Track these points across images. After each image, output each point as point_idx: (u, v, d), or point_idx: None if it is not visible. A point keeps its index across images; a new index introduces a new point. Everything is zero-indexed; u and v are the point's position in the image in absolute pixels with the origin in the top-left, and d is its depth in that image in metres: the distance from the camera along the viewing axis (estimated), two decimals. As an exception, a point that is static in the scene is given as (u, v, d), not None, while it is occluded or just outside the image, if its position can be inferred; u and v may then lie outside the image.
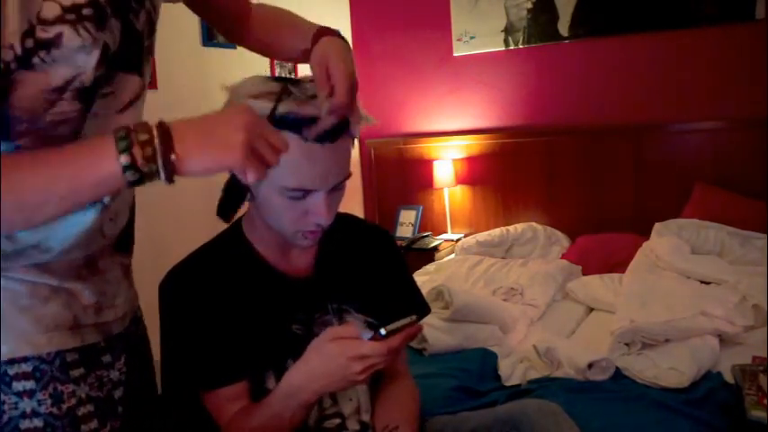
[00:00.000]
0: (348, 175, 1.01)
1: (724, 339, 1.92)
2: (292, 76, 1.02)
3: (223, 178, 1.04)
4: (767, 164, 2.78)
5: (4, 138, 0.71)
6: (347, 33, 3.85)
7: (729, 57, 2.95)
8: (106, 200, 0.82)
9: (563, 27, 3.28)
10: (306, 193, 0.97)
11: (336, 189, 1.01)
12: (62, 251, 0.80)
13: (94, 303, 0.85)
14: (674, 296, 2.15)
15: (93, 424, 0.83)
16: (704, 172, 2.98)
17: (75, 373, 0.82)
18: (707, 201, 2.86)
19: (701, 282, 2.37)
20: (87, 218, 0.80)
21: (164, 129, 0.66)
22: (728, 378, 1.69)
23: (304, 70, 3.23)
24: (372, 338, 0.91)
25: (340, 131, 0.96)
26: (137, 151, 0.65)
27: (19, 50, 0.67)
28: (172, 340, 1.05)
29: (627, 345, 1.86)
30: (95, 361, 0.85)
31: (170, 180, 0.67)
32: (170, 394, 1.05)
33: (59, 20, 0.68)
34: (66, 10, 0.69)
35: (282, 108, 0.92)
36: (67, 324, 0.81)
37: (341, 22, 3.81)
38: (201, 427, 1.07)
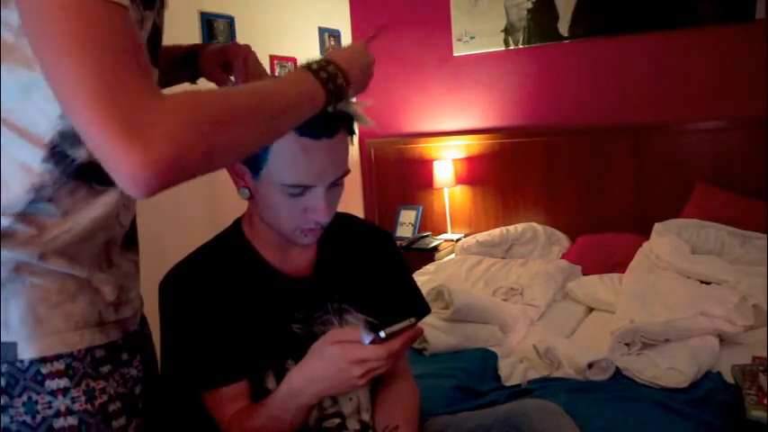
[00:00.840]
0: (346, 172, 1.01)
1: (724, 339, 1.92)
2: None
3: (223, 179, 1.05)
4: (767, 164, 2.78)
5: None
6: (347, 33, 3.85)
7: (729, 57, 2.95)
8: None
9: (563, 27, 3.28)
10: (304, 189, 0.97)
11: (335, 186, 1.01)
12: (85, 234, 0.80)
13: (115, 299, 0.86)
14: (674, 296, 2.15)
15: (122, 420, 0.84)
16: (704, 172, 2.98)
17: (104, 369, 0.83)
18: (707, 201, 2.86)
19: (701, 282, 2.37)
20: (110, 199, 0.81)
21: (332, 60, 0.87)
22: (728, 378, 1.69)
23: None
24: (372, 342, 0.90)
25: (337, 126, 0.96)
26: (327, 70, 0.85)
27: None
28: (171, 340, 1.05)
29: (627, 345, 1.86)
30: (117, 358, 0.86)
31: (347, 92, 0.88)
32: (170, 394, 1.05)
33: None
34: None
35: None
36: (94, 321, 0.82)
37: (341, 22, 3.81)
38: (201, 427, 1.07)
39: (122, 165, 0.61)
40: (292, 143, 0.94)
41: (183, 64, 1.13)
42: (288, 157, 0.94)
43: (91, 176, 0.78)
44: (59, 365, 0.78)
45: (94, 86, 0.60)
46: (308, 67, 0.85)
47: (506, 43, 3.44)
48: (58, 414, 0.78)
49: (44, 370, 0.77)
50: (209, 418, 1.05)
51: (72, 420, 0.79)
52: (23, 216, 0.76)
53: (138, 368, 0.90)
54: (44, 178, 0.75)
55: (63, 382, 0.78)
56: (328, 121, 0.94)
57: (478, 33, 3.50)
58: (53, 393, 0.78)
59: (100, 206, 0.81)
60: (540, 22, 3.33)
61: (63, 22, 0.61)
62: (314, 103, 0.83)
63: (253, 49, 1.08)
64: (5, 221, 0.76)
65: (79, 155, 0.76)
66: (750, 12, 2.87)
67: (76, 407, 0.79)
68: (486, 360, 1.94)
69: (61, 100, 0.63)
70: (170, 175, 0.62)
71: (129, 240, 0.94)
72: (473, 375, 1.84)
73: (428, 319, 1.46)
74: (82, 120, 0.61)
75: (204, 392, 1.05)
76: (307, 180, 0.96)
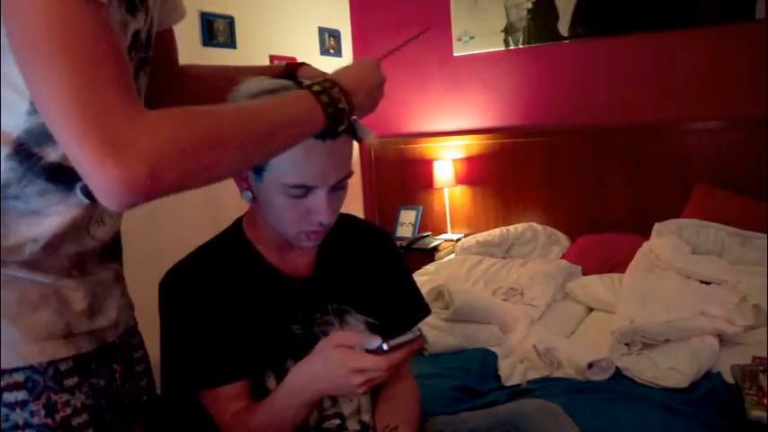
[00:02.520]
0: (349, 174, 1.01)
1: (724, 339, 1.92)
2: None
3: (222, 181, 1.04)
4: (767, 164, 2.78)
5: None
6: (347, 33, 3.85)
7: (729, 57, 2.95)
8: (91, 201, 0.81)
9: (563, 27, 3.28)
10: (307, 191, 0.97)
11: (338, 188, 1.01)
12: (51, 244, 0.78)
13: (87, 307, 0.83)
14: (674, 296, 2.15)
15: None
16: (704, 172, 2.98)
17: (70, 382, 0.80)
18: (707, 201, 2.86)
19: (701, 282, 2.37)
20: (76, 212, 0.79)
21: (337, 83, 0.83)
22: (728, 378, 1.69)
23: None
24: (375, 351, 0.89)
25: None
26: (330, 93, 0.81)
27: None
28: (172, 339, 1.05)
29: (627, 345, 1.86)
30: (88, 369, 0.83)
31: (350, 117, 0.84)
32: (170, 394, 1.05)
33: None
34: None
35: None
36: (60, 332, 0.79)
37: (341, 22, 3.81)
38: (201, 427, 1.07)
39: (98, 179, 0.61)
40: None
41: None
42: (290, 158, 0.94)
43: (62, 179, 0.76)
44: (18, 378, 0.76)
45: (74, 100, 0.60)
46: (311, 87, 0.81)
47: (506, 43, 3.44)
48: (15, 427, 0.76)
49: (2, 382, 0.75)
50: (209, 417, 1.05)
51: None
52: None
53: (109, 379, 0.87)
54: (8, 176, 0.73)
55: (21, 395, 0.76)
56: None
57: (478, 33, 3.50)
58: (11, 406, 0.76)
59: (67, 216, 0.78)
60: (540, 22, 3.33)
61: (44, 31, 0.60)
62: (312, 126, 0.80)
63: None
64: None
65: (45, 153, 0.74)
66: (750, 12, 2.87)
67: (35, 420, 0.77)
68: (486, 360, 1.94)
69: (42, 110, 0.63)
70: (145, 192, 0.62)
71: (110, 252, 0.91)
72: (473, 375, 1.84)
73: (428, 319, 1.45)
74: (62, 133, 0.61)
75: (204, 392, 1.05)
76: (309, 180, 0.96)
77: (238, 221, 1.13)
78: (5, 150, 0.72)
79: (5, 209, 0.74)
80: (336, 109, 0.81)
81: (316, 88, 0.81)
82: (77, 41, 0.60)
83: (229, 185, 1.05)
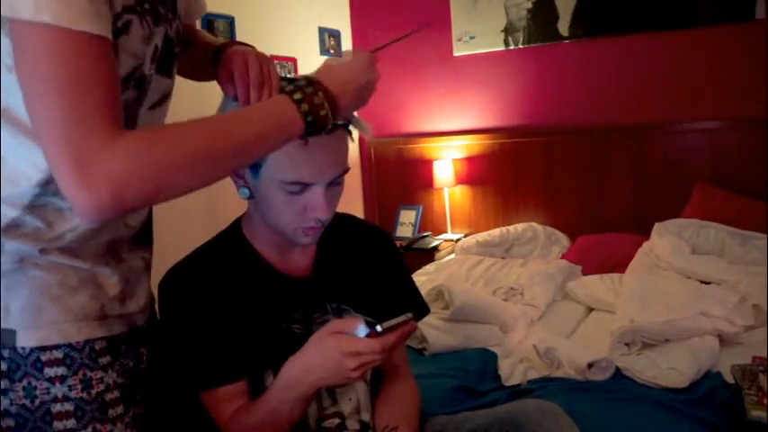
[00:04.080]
0: (346, 170, 1.01)
1: (724, 339, 1.92)
2: (290, 76, 1.02)
3: (223, 180, 1.04)
4: (767, 164, 2.78)
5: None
6: (347, 33, 3.85)
7: (729, 57, 2.95)
8: None
9: (563, 27, 3.28)
10: (304, 187, 0.97)
11: (335, 184, 1.01)
12: (89, 233, 0.84)
13: (119, 292, 0.89)
14: (674, 296, 2.15)
15: (120, 409, 0.88)
16: (704, 172, 2.97)
17: (103, 360, 0.86)
18: (707, 201, 2.86)
19: (701, 282, 2.36)
20: None
21: (322, 86, 0.83)
22: (728, 378, 1.69)
23: (304, 70, 3.22)
24: (369, 335, 0.91)
25: (335, 124, 0.96)
26: (311, 100, 0.81)
27: None
28: (170, 340, 1.05)
29: (627, 345, 1.86)
30: (119, 350, 0.89)
31: (334, 120, 0.83)
32: (169, 393, 1.05)
33: (130, 9, 0.76)
34: (136, 1, 0.77)
35: None
36: (95, 314, 0.85)
37: (341, 22, 3.81)
38: (200, 427, 1.07)
39: (72, 198, 0.68)
40: (293, 141, 0.93)
41: (214, 62, 1.07)
42: (287, 155, 0.94)
43: None
44: (58, 354, 0.82)
45: (57, 126, 0.67)
46: (291, 93, 0.80)
47: (506, 43, 3.43)
48: (55, 400, 0.82)
49: (43, 358, 0.81)
50: (208, 417, 1.05)
51: (69, 406, 0.83)
52: (32, 208, 0.81)
53: (137, 361, 0.93)
54: (49, 174, 0.79)
55: (61, 371, 0.82)
56: None
57: (478, 33, 3.50)
58: (51, 380, 0.82)
59: None
60: (540, 22, 3.32)
61: (42, 63, 0.66)
62: (290, 133, 0.80)
63: (258, 51, 1.00)
64: (15, 212, 0.80)
65: None
66: (750, 12, 2.87)
67: (73, 394, 0.83)
68: (486, 360, 1.94)
69: (35, 132, 0.70)
70: (110, 210, 0.68)
71: (141, 239, 0.97)
72: (473, 375, 1.84)
73: (428, 319, 1.46)
74: (46, 154, 0.69)
75: (203, 392, 1.05)
76: (307, 177, 0.96)
77: (237, 222, 1.13)
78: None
79: (45, 204, 0.81)
80: (317, 117, 0.81)
81: (296, 96, 0.80)
82: (70, 74, 0.67)
83: (229, 186, 1.05)
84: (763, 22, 2.84)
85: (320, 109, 0.81)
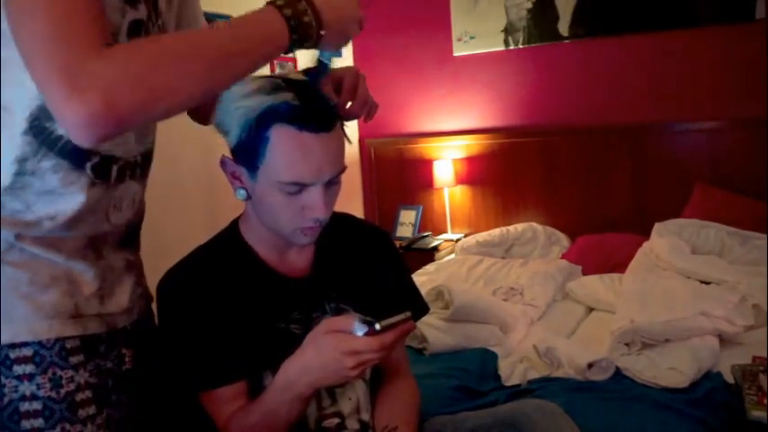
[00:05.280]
0: (343, 169, 1.01)
1: (724, 339, 1.92)
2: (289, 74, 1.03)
3: (221, 180, 1.04)
4: (767, 164, 2.78)
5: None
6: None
7: (729, 57, 2.95)
8: (111, 181, 0.87)
9: (563, 27, 3.28)
10: (302, 187, 0.97)
11: (332, 183, 1.01)
12: (68, 223, 0.83)
13: (96, 291, 0.87)
14: (674, 296, 2.15)
15: (91, 410, 0.86)
16: (704, 172, 2.98)
17: (75, 359, 0.84)
18: (707, 201, 2.86)
19: (701, 282, 2.36)
20: (92, 193, 0.84)
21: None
22: (728, 378, 1.69)
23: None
24: (367, 333, 0.90)
25: (334, 119, 0.96)
26: (294, 6, 0.79)
27: None
28: (169, 340, 1.05)
29: (627, 345, 1.86)
30: (96, 350, 0.88)
31: (320, 33, 0.82)
32: (167, 394, 1.05)
33: None
34: None
35: (275, 99, 0.93)
36: (68, 312, 0.84)
37: (341, 22, 3.80)
38: (199, 428, 1.06)
39: (64, 116, 0.66)
40: (289, 140, 0.94)
41: None
42: (285, 155, 0.94)
43: (72, 156, 0.81)
44: (27, 352, 0.81)
45: (45, 43, 0.66)
46: (275, 2, 0.80)
47: (506, 43, 3.43)
48: (23, 398, 0.81)
49: (12, 355, 0.80)
50: (207, 418, 1.05)
51: (36, 405, 0.81)
52: (11, 189, 0.80)
53: (117, 362, 0.91)
54: (25, 150, 0.79)
55: (29, 368, 0.81)
56: (325, 114, 0.95)
57: (478, 33, 3.50)
58: (20, 378, 0.81)
59: (83, 196, 0.83)
60: (540, 22, 3.32)
61: None
62: (275, 44, 0.79)
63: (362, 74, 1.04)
64: None
65: (55, 128, 0.79)
66: (750, 12, 2.87)
67: (41, 393, 0.82)
68: (486, 360, 1.94)
69: (22, 57, 0.68)
70: (105, 123, 0.66)
71: (126, 241, 0.95)
72: (473, 375, 1.84)
73: (428, 319, 1.46)
74: (35, 75, 0.67)
75: (202, 393, 1.05)
76: (305, 178, 0.96)
77: (235, 222, 1.13)
78: (23, 125, 0.79)
79: (24, 185, 0.80)
80: (300, 22, 0.80)
81: (279, 2, 0.80)
82: None
83: (227, 188, 1.05)
84: (763, 22, 2.84)
85: (303, 15, 0.80)
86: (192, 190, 2.79)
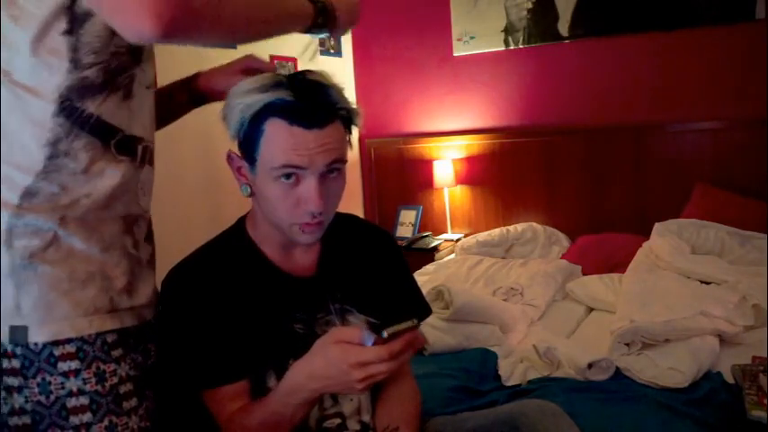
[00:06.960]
0: (339, 159, 1.00)
1: (724, 339, 1.92)
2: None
3: (224, 178, 1.04)
4: (767, 164, 2.78)
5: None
6: (347, 34, 3.84)
7: (729, 57, 2.95)
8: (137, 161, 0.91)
9: (563, 27, 3.28)
10: (296, 176, 0.97)
11: (330, 176, 1.00)
12: (104, 201, 0.86)
13: (126, 285, 0.90)
14: (674, 296, 2.15)
15: (134, 402, 0.89)
16: (704, 172, 2.98)
17: (116, 353, 0.87)
18: (707, 201, 2.86)
19: (701, 282, 2.36)
20: (127, 169, 0.89)
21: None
22: (728, 378, 1.69)
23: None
24: (375, 343, 0.89)
25: (329, 118, 0.97)
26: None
27: None
28: (173, 338, 1.05)
29: (627, 345, 1.86)
30: (129, 343, 0.90)
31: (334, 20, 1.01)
32: (170, 392, 1.05)
33: None
34: None
35: (271, 96, 0.95)
36: (105, 307, 0.87)
37: (341, 22, 3.80)
38: (201, 426, 1.06)
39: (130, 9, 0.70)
40: (282, 130, 0.95)
41: (179, 94, 1.16)
42: (278, 142, 0.95)
43: (101, 134, 0.85)
44: (70, 348, 0.83)
45: None
46: None
47: (506, 43, 3.43)
48: (70, 394, 0.83)
49: (56, 352, 0.82)
50: (209, 416, 1.05)
51: (83, 400, 0.84)
52: (45, 174, 0.82)
53: (145, 356, 0.94)
54: (57, 132, 0.82)
55: (74, 364, 0.83)
56: (319, 112, 0.95)
57: (478, 33, 3.50)
58: (65, 375, 0.83)
59: (117, 174, 0.87)
60: (540, 22, 3.32)
61: None
62: (302, 22, 0.96)
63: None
64: (28, 180, 0.82)
65: (86, 106, 0.83)
66: (750, 12, 2.87)
67: (87, 387, 0.84)
68: (486, 360, 1.94)
69: None
70: (181, 15, 0.71)
71: (150, 235, 1.00)
72: (473, 375, 1.84)
73: (428, 319, 1.45)
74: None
75: (204, 391, 1.05)
76: (295, 160, 0.95)
77: (241, 220, 1.14)
78: (53, 107, 0.81)
79: (59, 167, 0.83)
80: (324, 6, 0.98)
81: None
82: None
83: (230, 186, 1.06)
84: (763, 22, 2.84)
85: (327, 5, 0.99)
86: (194, 188, 2.80)
